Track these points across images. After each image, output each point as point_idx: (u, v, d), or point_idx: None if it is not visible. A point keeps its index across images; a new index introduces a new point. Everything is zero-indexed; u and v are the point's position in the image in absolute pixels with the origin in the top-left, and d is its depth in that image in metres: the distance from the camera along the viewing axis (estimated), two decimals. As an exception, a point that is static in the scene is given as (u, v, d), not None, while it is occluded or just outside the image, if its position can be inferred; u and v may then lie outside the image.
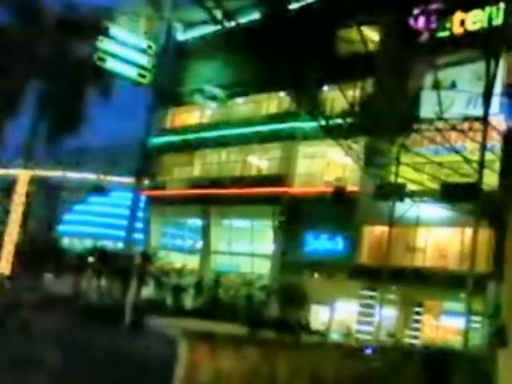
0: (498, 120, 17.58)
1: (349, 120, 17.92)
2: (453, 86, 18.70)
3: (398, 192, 18.61)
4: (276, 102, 27.46)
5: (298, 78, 16.86)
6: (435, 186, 18.60)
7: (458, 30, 20.24)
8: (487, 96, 14.92)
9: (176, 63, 31.92)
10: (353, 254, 22.65)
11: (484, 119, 15.11)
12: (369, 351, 11.47)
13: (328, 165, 25.23)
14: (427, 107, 19.44)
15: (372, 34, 21.99)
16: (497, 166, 17.26)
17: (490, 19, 17.70)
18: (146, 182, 32.20)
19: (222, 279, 23.96)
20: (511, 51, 16.90)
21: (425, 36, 20.24)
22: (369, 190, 20.41)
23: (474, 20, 19.83)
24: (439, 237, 21.24)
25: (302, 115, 23.61)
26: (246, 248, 26.93)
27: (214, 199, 27.77)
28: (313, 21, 20.47)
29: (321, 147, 24.43)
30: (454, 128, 16.40)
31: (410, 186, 19.20)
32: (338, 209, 21.61)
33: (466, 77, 19.26)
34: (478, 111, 17.63)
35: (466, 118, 16.21)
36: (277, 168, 26.82)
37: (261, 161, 28.32)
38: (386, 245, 19.24)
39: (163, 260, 26.23)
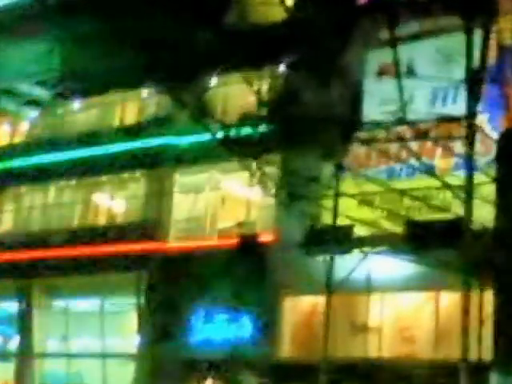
0: (480, 121, 17.16)
1: (256, 128, 17.67)
2: (409, 71, 18.46)
3: (340, 239, 18.16)
4: (136, 105, 27.37)
5: (170, 66, 16.84)
6: (395, 226, 18.60)
7: (413, -12, 20.62)
8: (473, 84, 14.56)
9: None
10: (268, 343, 22.15)
11: (469, 119, 14.69)
12: None
13: (223, 202, 24.93)
14: (372, 105, 19.67)
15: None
16: (487, 191, 17.00)
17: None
18: None
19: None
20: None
21: (364, -2, 20.69)
22: (292, 238, 20.18)
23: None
24: (402, 308, 20.92)
25: (179, 124, 24.01)
26: (94, 345, 26.09)
27: (38, 268, 26.98)
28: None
29: (210, 174, 24.41)
30: (424, 135, 16.29)
31: (357, 230, 19.13)
32: (242, 271, 21.32)
33: (429, 57, 19.59)
34: (450, 108, 18.08)
35: (442, 119, 16.22)
36: (140, 211, 26.33)
37: (114, 201, 27.79)
38: (321, 325, 18.63)
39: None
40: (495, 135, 17.95)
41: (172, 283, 24.00)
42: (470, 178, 14.57)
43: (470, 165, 14.64)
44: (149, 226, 25.49)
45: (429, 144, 18.16)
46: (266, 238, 21.94)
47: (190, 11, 19.17)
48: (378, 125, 17.34)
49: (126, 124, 27.38)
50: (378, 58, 19.73)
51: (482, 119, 17.60)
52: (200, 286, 22.84)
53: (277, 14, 19.89)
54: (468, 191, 14.48)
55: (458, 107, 16.70)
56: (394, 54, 15.55)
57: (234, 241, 21.70)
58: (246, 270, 21.27)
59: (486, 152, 17.87)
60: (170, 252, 24.72)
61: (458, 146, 16.39)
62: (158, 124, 25.54)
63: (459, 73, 16.92)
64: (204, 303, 23.24)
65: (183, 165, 25.04)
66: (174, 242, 25.00)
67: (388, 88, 17.59)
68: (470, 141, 14.70)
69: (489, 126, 18.54)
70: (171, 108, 23.24)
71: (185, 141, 24.48)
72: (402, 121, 15.99)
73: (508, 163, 17.05)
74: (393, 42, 15.97)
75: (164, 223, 25.31)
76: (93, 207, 27.80)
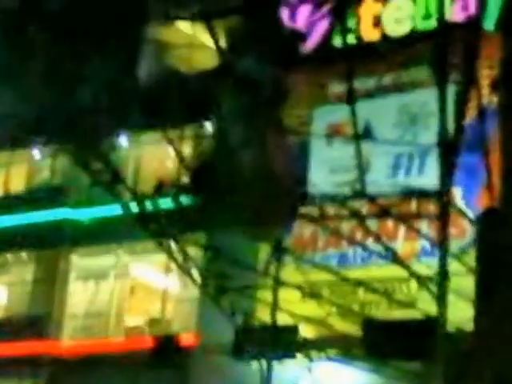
0: (452, 196, 17.84)
1: (176, 199, 17.07)
2: (366, 133, 19.31)
3: (280, 341, 17.69)
4: (24, 169, 27.30)
5: (69, 121, 16.34)
6: (347, 326, 18.67)
7: (369, 34, 21.00)
8: (447, 150, 14.43)
9: None
10: None
11: (441, 194, 14.61)
12: None
13: (132, 292, 25.01)
14: (320, 173, 20.05)
15: (206, 36, 22.54)
16: (462, 283, 16.76)
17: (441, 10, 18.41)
18: None
19: None
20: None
21: (310, 44, 21.17)
22: (220, 340, 20.08)
23: (398, 16, 20.68)
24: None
25: (78, 194, 24.39)
26: None
27: None
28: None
29: (117, 257, 24.64)
30: (384, 211, 15.88)
31: (302, 329, 19.30)
32: (157, 382, 21.45)
33: (390, 117, 20.34)
34: (416, 180, 18.94)
35: (408, 193, 16.55)
36: (26, 302, 26.09)
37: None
38: None
39: None
40: (470, 214, 17.78)
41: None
42: (442, 266, 13.75)
43: (442, 250, 13.81)
44: (37, 322, 25.30)
45: (390, 223, 18.42)
46: (186, 339, 21.82)
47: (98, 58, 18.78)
48: (327, 198, 17.29)
49: (11, 193, 27.38)
50: (327, 116, 20.27)
51: (454, 193, 17.74)
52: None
53: (203, 61, 20.25)
54: (440, 283, 13.26)
55: (425, 178, 18.16)
56: (351, 110, 15.10)
57: (146, 343, 21.46)
58: (161, 380, 21.29)
59: (459, 234, 18.09)
60: (64, 355, 24.48)
61: (425, 227, 16.96)
62: (52, 193, 25.55)
63: (426, 137, 17.29)
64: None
65: (82, 244, 25.10)
66: (68, 343, 24.88)
67: (339, 153, 18.64)
68: (442, 220, 14.56)
69: (463, 202, 18.96)
70: (68, 173, 23.54)
71: (85, 214, 24.61)
72: (357, 194, 15.29)
73: (489, 251, 16.68)
74: (348, 97, 15.70)
75: (56, 318, 25.16)
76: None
